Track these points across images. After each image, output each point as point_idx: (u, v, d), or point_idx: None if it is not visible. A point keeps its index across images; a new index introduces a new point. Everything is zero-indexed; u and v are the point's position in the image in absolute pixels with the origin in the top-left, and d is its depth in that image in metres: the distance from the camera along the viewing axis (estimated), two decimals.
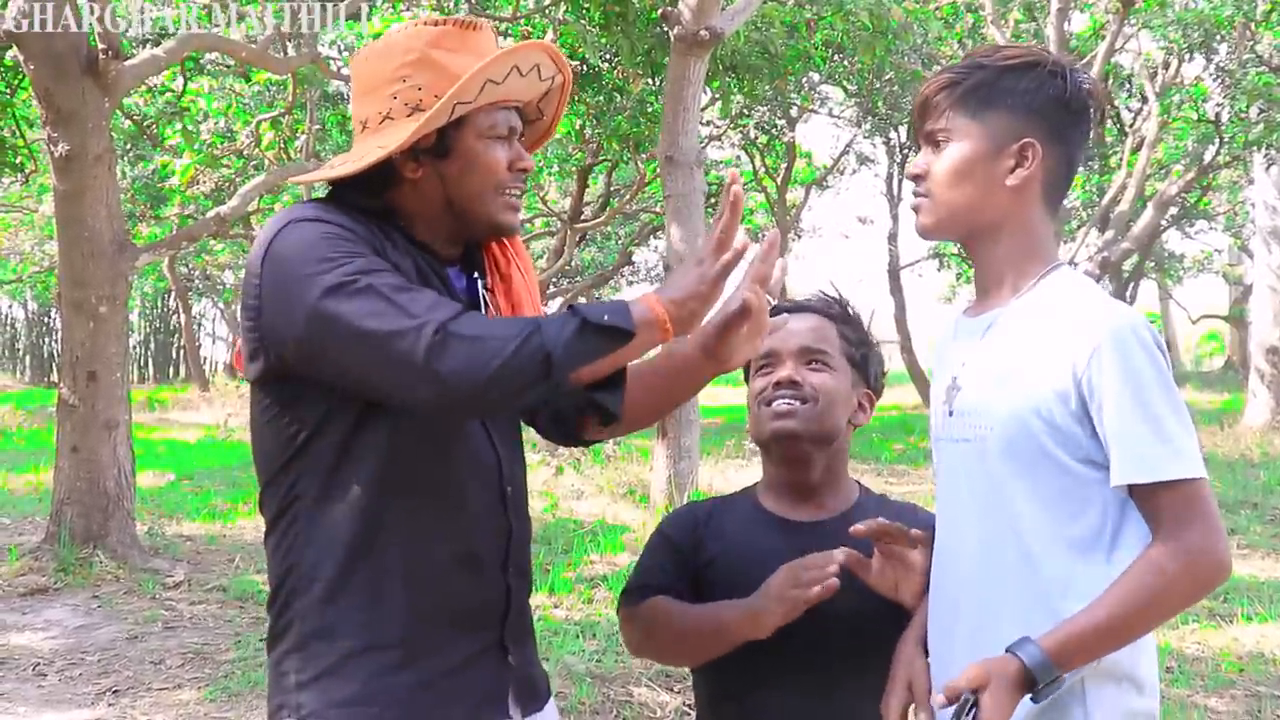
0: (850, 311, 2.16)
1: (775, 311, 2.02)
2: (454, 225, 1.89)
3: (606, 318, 1.62)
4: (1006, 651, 1.57)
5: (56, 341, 28.83)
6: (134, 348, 35.14)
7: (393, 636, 1.76)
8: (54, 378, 25.50)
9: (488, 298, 1.93)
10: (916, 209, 1.81)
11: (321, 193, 1.98)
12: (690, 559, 2.10)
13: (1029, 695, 1.56)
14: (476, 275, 1.95)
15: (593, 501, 10.18)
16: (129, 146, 13.81)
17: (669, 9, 7.92)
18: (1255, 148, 13.16)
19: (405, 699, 1.76)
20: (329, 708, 1.74)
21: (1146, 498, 1.60)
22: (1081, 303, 1.68)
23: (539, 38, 10.61)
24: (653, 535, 2.21)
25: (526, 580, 1.95)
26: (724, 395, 24.67)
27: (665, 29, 8.14)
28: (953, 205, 1.77)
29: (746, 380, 2.18)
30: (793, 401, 2.02)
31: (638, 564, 2.19)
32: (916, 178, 1.80)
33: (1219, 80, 12.71)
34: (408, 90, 1.81)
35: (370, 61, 1.88)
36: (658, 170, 15.02)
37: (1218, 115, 12.42)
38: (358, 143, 1.88)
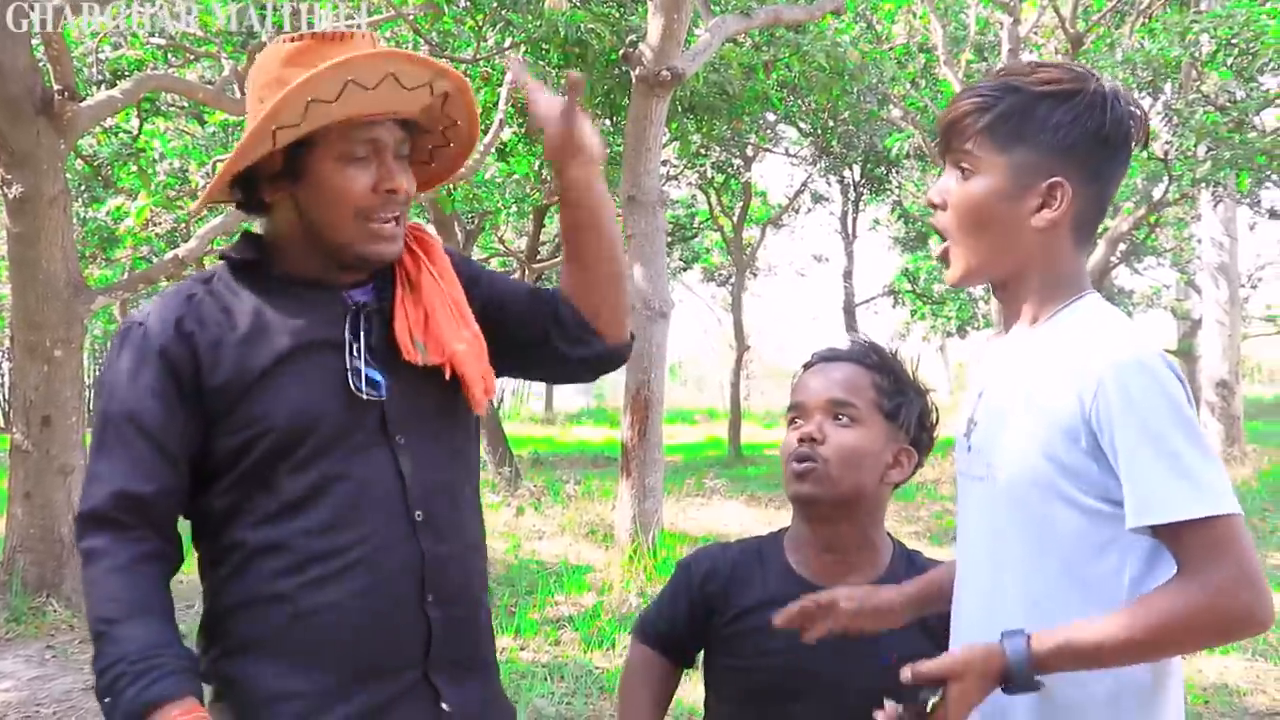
0: (887, 360, 2.03)
1: (815, 360, 2.02)
2: (323, 254, 1.79)
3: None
4: (999, 640, 1.51)
5: (2, 387, 28.29)
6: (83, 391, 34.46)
7: (298, 687, 1.70)
8: (0, 423, 25.05)
9: (397, 309, 1.81)
10: (943, 258, 1.70)
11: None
12: (707, 611, 2.04)
13: (1000, 688, 1.50)
14: (375, 291, 1.84)
15: (554, 541, 10.10)
16: (83, 188, 13.68)
17: (630, 50, 7.97)
18: (1204, 185, 13.38)
19: None
20: None
21: (1170, 539, 1.47)
22: (1091, 334, 1.57)
23: (499, 79, 10.62)
24: (677, 574, 2.14)
25: (461, 608, 1.82)
26: (682, 434, 24.67)
27: (624, 70, 8.19)
28: (978, 253, 1.65)
29: None
30: (809, 462, 1.92)
31: (659, 597, 2.16)
32: (936, 206, 1.68)
33: (1167, 119, 12.93)
34: (262, 110, 1.72)
35: (248, 83, 1.83)
36: (616, 210, 15.08)
37: (1166, 153, 12.62)
38: None
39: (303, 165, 1.74)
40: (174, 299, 1.79)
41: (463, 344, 1.81)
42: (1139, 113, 1.62)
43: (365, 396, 1.75)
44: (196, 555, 1.84)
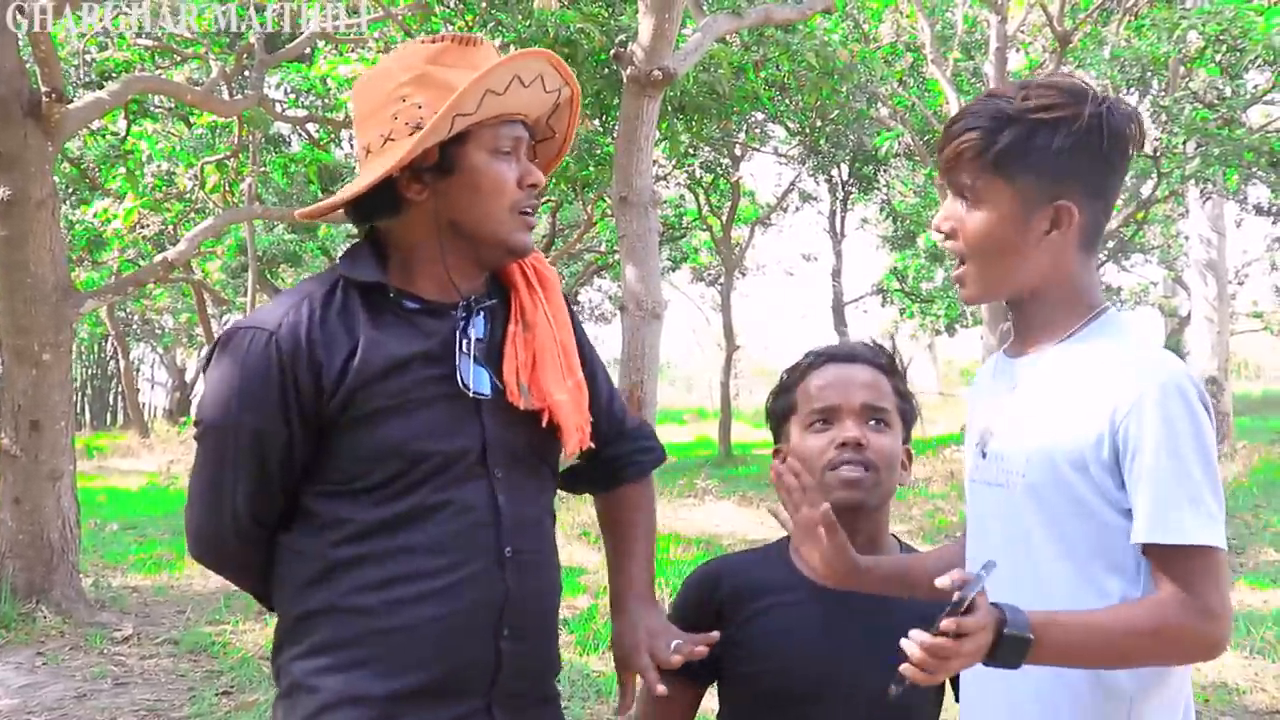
0: (897, 363, 2.02)
1: (824, 359, 1.99)
2: (462, 254, 1.81)
3: None
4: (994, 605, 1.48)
5: None
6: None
7: (371, 693, 1.72)
8: None
9: (507, 348, 1.83)
10: (959, 280, 1.73)
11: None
12: (718, 618, 1.98)
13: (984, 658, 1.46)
14: (490, 312, 1.86)
15: None
16: (70, 190, 13.61)
17: (621, 50, 7.91)
18: (1192, 182, 13.43)
19: None
20: None
21: (1163, 558, 1.52)
22: (1128, 351, 1.61)
23: None
24: (685, 589, 2.11)
25: (532, 644, 1.84)
26: (671, 434, 24.67)
27: (614, 70, 8.15)
28: (992, 276, 1.69)
29: (771, 428, 2.07)
30: (858, 469, 1.89)
31: (669, 615, 2.11)
32: (946, 234, 1.72)
33: (1155, 116, 12.97)
34: (408, 109, 1.75)
35: (370, 84, 1.83)
36: (605, 211, 15.01)
37: (1155, 151, 12.65)
38: (362, 170, 1.81)
39: (455, 158, 1.77)
40: (297, 309, 1.77)
41: (564, 394, 1.85)
42: (1135, 120, 1.66)
43: (473, 395, 1.78)
44: (277, 555, 1.83)
